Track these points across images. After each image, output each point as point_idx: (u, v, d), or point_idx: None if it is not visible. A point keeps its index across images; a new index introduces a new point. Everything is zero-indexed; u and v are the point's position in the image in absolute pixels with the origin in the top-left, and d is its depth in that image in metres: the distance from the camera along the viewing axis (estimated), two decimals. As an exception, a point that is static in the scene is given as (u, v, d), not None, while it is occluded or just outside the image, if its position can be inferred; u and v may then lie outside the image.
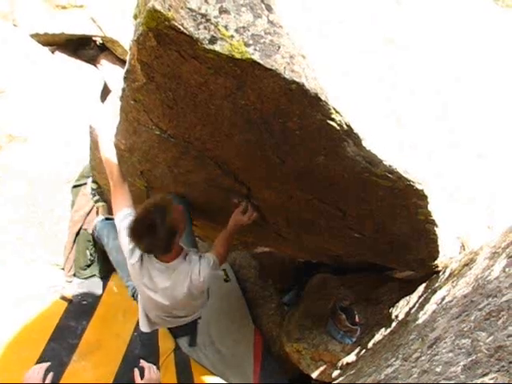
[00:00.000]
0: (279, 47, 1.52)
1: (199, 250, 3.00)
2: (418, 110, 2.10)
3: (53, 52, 5.28)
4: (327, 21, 1.75)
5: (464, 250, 2.53)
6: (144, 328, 2.89)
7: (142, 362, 2.31)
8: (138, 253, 2.50)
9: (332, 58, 1.72)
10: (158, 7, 1.44)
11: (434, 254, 2.43)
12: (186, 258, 2.56)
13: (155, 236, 2.28)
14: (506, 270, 1.67)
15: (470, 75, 2.52)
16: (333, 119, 1.66)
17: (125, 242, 2.52)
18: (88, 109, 4.80)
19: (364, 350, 2.86)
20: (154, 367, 2.30)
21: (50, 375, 2.13)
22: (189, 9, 1.45)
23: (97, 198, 4.00)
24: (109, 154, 2.76)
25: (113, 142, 2.73)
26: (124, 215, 2.58)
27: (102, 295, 3.86)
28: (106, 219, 3.54)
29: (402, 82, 2.04)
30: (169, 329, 3.87)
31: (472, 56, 2.54)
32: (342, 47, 1.79)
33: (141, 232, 2.30)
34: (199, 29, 1.47)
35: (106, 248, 3.37)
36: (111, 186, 2.71)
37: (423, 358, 1.60)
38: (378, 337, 2.81)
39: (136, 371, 2.27)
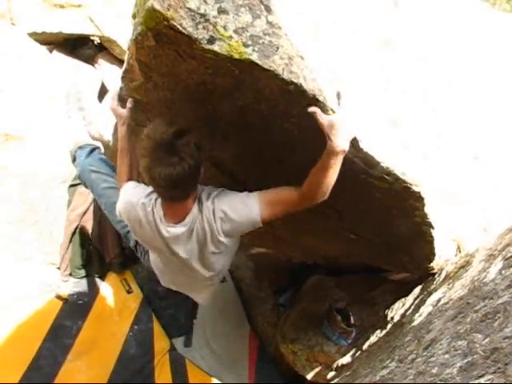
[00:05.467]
0: (278, 48, 1.52)
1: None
2: (414, 111, 2.10)
3: (50, 51, 5.26)
4: (321, 21, 1.76)
5: (460, 252, 2.53)
6: (163, 282, 2.46)
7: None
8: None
9: (326, 59, 1.72)
10: (157, 7, 1.45)
11: (430, 256, 2.44)
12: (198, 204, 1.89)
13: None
14: (502, 272, 1.68)
15: (466, 77, 2.53)
16: (331, 120, 1.66)
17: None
18: (86, 107, 4.80)
19: (359, 352, 2.87)
20: None
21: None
22: (188, 8, 1.45)
23: None
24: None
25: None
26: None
27: (97, 295, 3.85)
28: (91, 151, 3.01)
29: (398, 82, 2.04)
30: (164, 329, 3.87)
31: (468, 58, 2.55)
32: (337, 48, 1.79)
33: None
34: (198, 29, 1.47)
35: (94, 187, 2.77)
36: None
37: (419, 359, 1.60)
38: (373, 338, 2.81)
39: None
